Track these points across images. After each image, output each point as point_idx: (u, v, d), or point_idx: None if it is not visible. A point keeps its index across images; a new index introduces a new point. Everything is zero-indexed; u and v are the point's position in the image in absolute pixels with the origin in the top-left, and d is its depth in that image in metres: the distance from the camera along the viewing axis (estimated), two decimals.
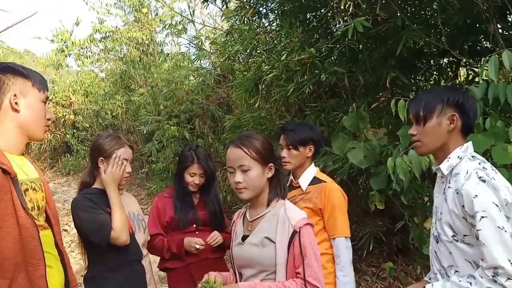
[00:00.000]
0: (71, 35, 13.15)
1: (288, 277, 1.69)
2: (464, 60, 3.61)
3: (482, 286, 1.53)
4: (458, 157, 1.71)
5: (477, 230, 1.54)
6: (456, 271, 1.68)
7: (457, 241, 1.66)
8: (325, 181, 2.49)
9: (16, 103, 1.65)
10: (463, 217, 1.61)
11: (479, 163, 1.65)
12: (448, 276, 1.71)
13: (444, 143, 1.74)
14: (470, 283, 1.57)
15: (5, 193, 1.54)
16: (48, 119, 1.78)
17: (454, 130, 1.72)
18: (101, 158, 2.33)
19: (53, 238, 1.80)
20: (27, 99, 1.68)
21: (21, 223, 1.57)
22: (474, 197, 1.55)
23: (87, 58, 13.58)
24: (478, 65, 3.54)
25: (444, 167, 1.73)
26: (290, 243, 1.68)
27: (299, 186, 2.51)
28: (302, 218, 1.72)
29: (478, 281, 1.54)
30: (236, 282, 1.87)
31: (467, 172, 1.62)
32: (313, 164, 2.57)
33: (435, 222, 1.80)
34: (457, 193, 1.63)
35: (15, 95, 1.65)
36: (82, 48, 13.28)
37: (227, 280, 1.93)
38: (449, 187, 1.70)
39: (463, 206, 1.60)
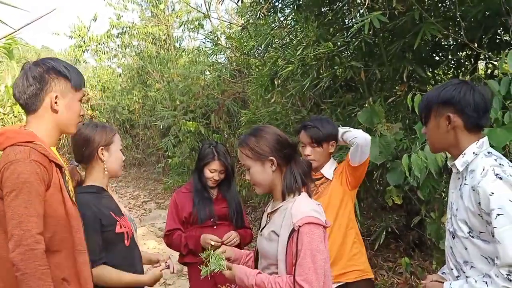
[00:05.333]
0: (88, 30, 13.31)
1: (288, 272, 1.68)
2: (483, 53, 3.55)
3: (497, 285, 1.51)
4: (474, 153, 1.66)
5: (493, 228, 1.52)
6: (472, 267, 1.66)
7: (473, 237, 1.64)
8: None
9: (56, 103, 1.73)
10: (479, 214, 1.59)
11: (496, 160, 1.61)
12: (464, 272, 1.69)
13: (452, 142, 1.70)
14: (486, 283, 1.55)
15: (56, 187, 1.67)
16: (82, 115, 1.87)
17: (456, 129, 1.67)
18: (102, 147, 2.12)
19: None
20: (66, 100, 1.76)
21: (69, 213, 1.70)
22: (490, 195, 1.53)
23: (104, 54, 13.74)
24: (498, 59, 3.48)
25: (459, 163, 1.70)
26: (288, 240, 1.67)
27: (321, 177, 2.54)
28: (306, 216, 1.67)
29: (494, 281, 1.52)
30: (256, 267, 1.91)
31: (483, 169, 1.59)
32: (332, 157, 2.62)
33: (450, 218, 1.78)
34: (473, 190, 1.60)
35: (56, 96, 1.73)
36: (99, 43, 13.43)
37: (241, 257, 2.01)
38: (465, 184, 1.67)
39: (479, 203, 1.57)
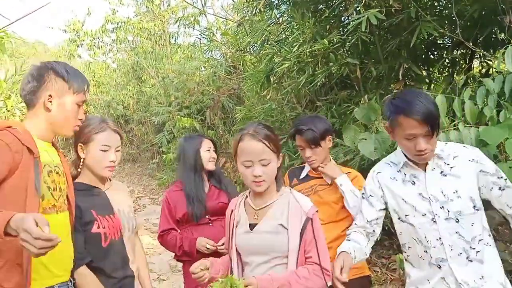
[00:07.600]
0: (83, 25, 13.25)
1: (299, 262, 1.71)
2: (478, 52, 3.57)
3: None
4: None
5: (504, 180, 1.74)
6: (480, 240, 1.74)
7: (478, 210, 1.74)
8: (349, 172, 2.51)
9: (50, 102, 1.78)
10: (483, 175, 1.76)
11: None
12: (474, 248, 1.74)
13: None
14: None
15: (24, 171, 1.66)
16: (80, 119, 1.89)
17: None
18: (80, 144, 2.06)
19: (70, 220, 1.90)
20: (61, 100, 1.80)
21: (28, 202, 1.66)
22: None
23: (99, 49, 13.68)
24: (493, 57, 3.50)
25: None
26: (303, 229, 1.72)
27: (319, 177, 2.52)
28: (313, 205, 1.78)
29: None
30: (243, 269, 1.87)
31: (464, 147, 1.84)
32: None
33: (442, 207, 1.77)
34: (472, 161, 1.77)
35: (50, 95, 1.77)
36: (94, 38, 13.38)
37: (213, 264, 1.87)
38: (451, 167, 1.79)
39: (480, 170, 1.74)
